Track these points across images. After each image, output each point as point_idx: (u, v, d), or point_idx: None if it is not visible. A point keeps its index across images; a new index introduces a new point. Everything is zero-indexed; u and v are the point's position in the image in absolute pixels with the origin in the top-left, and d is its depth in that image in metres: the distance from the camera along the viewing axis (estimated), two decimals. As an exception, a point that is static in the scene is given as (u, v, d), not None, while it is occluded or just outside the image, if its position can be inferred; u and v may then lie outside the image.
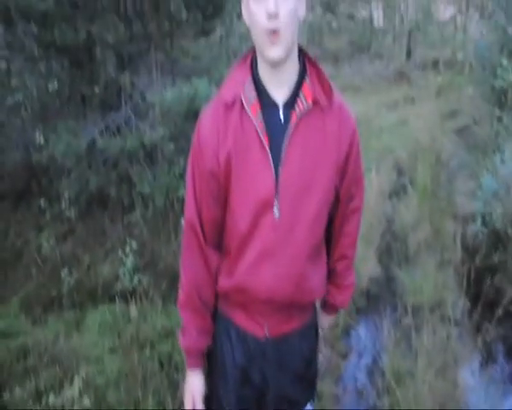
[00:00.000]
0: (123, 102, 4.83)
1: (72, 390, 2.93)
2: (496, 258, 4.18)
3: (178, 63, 5.18)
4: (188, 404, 1.67)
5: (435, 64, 13.04)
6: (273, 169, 1.43)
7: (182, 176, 4.57)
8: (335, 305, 1.78)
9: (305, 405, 1.76)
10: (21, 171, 5.19)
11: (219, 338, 1.65)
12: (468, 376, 3.21)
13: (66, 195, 4.64)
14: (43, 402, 2.85)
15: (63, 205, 4.64)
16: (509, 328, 3.61)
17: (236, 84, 1.46)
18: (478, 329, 3.55)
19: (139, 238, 4.40)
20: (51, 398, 2.86)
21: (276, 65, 1.42)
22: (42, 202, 4.73)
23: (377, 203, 5.36)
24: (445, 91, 10.55)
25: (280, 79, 1.45)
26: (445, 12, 17.45)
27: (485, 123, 7.10)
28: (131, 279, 3.95)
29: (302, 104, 1.44)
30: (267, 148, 1.42)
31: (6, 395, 2.91)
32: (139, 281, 3.95)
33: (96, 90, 4.75)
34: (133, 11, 4.86)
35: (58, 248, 4.41)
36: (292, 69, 1.46)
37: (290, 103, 1.45)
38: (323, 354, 1.89)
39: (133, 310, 3.65)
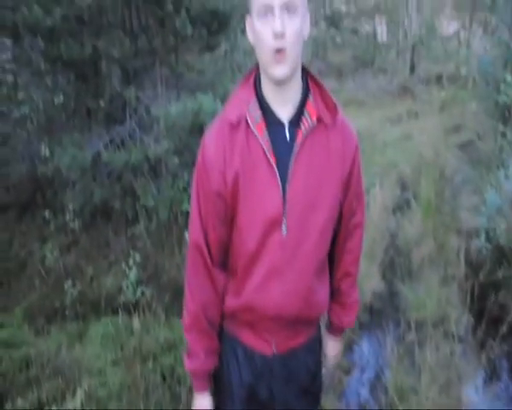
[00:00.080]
0: (128, 116, 4.87)
1: (75, 402, 2.92)
2: (500, 274, 4.15)
3: (183, 78, 5.22)
4: None
5: (439, 79, 13.07)
6: (281, 187, 1.44)
7: (186, 189, 4.60)
8: (342, 325, 1.77)
9: None
10: (26, 182, 5.23)
11: (225, 358, 1.65)
12: (472, 393, 3.19)
13: (70, 207, 4.67)
14: (46, 414, 2.86)
15: (67, 217, 4.67)
16: (514, 345, 3.59)
17: (241, 103, 1.47)
18: (482, 345, 3.52)
19: (143, 251, 4.42)
20: (53, 410, 2.86)
21: (280, 83, 1.43)
22: (46, 213, 4.76)
23: (381, 218, 5.36)
24: (448, 106, 10.56)
25: (284, 97, 1.46)
26: (448, 27, 17.55)
27: (489, 138, 7.10)
28: (135, 292, 3.97)
29: (307, 122, 1.46)
30: (274, 166, 1.43)
31: (8, 406, 2.91)
32: (142, 294, 3.96)
33: (102, 103, 4.79)
34: (138, 26, 4.91)
35: (62, 259, 4.44)
36: (296, 87, 1.47)
37: (295, 121, 1.47)
38: (328, 369, 1.87)
39: (136, 323, 3.65)
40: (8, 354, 3.39)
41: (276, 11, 1.34)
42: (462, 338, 3.61)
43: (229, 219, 1.51)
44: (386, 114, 10.25)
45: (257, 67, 1.51)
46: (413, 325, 3.66)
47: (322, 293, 1.62)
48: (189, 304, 1.58)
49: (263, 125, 1.44)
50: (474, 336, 3.66)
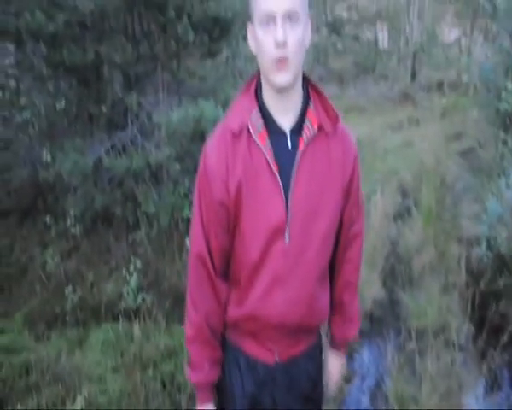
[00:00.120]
0: (129, 122, 4.87)
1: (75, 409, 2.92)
2: (501, 283, 4.15)
3: (185, 84, 5.23)
4: None
5: (440, 86, 13.07)
6: (284, 196, 1.45)
7: (187, 196, 4.60)
8: (346, 339, 1.77)
9: None
10: (28, 187, 5.23)
11: (228, 368, 1.65)
12: (473, 402, 3.18)
13: (71, 212, 4.67)
14: (45, 421, 2.86)
15: (68, 222, 4.67)
16: (515, 354, 3.58)
17: (243, 112, 1.47)
18: (483, 355, 3.52)
19: (143, 257, 4.41)
20: (53, 417, 2.86)
21: (282, 91, 1.43)
22: (47, 218, 4.76)
23: (381, 225, 5.36)
24: (449, 113, 10.56)
25: (286, 105, 1.47)
26: (449, 34, 17.56)
27: (490, 146, 7.10)
28: (135, 298, 3.96)
29: (309, 130, 1.47)
30: (277, 175, 1.44)
31: (8, 412, 2.91)
32: (143, 300, 3.96)
33: (103, 109, 4.80)
34: (140, 32, 4.93)
35: (62, 265, 4.44)
36: (297, 96, 1.48)
37: (296, 129, 1.47)
38: (332, 386, 1.85)
39: (136, 329, 3.65)
40: (9, 359, 3.39)
41: (278, 20, 1.34)
42: (462, 347, 3.61)
43: (232, 229, 1.51)
44: (387, 120, 10.24)
45: (258, 75, 1.51)
46: (414, 334, 3.66)
47: (324, 300, 1.63)
48: (192, 315, 1.58)
49: (265, 134, 1.45)
50: (474, 345, 3.65)
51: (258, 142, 1.44)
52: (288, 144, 1.47)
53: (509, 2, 6.45)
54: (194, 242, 1.54)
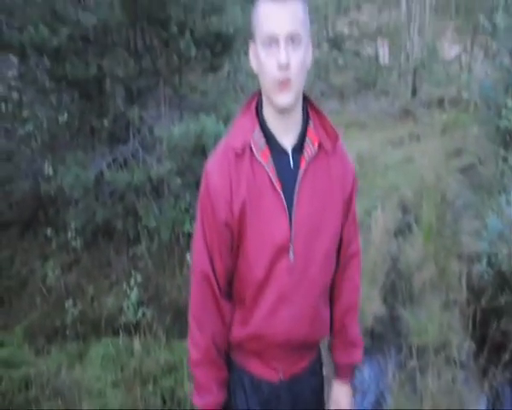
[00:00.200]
0: (131, 136, 4.89)
1: (74, 425, 2.91)
2: (502, 300, 4.14)
3: (186, 98, 5.25)
4: None
5: (440, 102, 13.13)
6: (288, 214, 1.46)
7: (187, 210, 4.61)
8: (352, 362, 1.73)
9: None
10: (29, 200, 5.24)
11: (232, 389, 1.64)
12: (474, 421, 3.17)
13: (72, 225, 4.67)
14: (45, 436, 2.85)
15: (69, 235, 4.66)
16: (517, 372, 3.56)
17: (244, 131, 1.48)
18: (484, 372, 3.49)
19: (144, 271, 4.41)
20: (52, 432, 2.84)
21: (284, 111, 1.45)
22: (48, 231, 4.76)
23: (382, 241, 5.36)
24: (450, 129, 10.60)
25: (287, 124, 1.48)
26: (450, 51, 17.66)
27: (491, 163, 7.11)
28: (135, 313, 3.95)
29: (310, 149, 1.49)
30: (281, 194, 1.45)
31: (7, 427, 2.90)
32: (143, 314, 3.95)
33: (105, 122, 4.82)
34: (143, 46, 4.96)
35: (63, 278, 4.44)
36: (298, 115, 1.50)
37: (298, 148, 1.49)
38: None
39: (137, 344, 3.64)
40: (8, 373, 3.38)
41: (281, 42, 1.36)
42: (464, 365, 3.59)
43: (235, 247, 1.51)
44: (388, 136, 10.27)
45: (258, 93, 1.53)
46: (414, 351, 3.64)
47: (326, 315, 1.64)
48: (198, 338, 1.55)
49: (267, 153, 1.46)
50: (476, 362, 3.63)
51: (261, 160, 1.45)
52: (289, 163, 1.48)
53: (509, 21, 6.49)
54: (198, 261, 1.54)
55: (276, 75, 1.38)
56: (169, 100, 5.00)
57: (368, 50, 17.32)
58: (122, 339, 3.71)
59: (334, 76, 15.35)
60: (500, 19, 6.52)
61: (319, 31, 15.13)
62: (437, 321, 4.00)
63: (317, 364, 1.73)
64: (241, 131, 1.49)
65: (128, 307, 3.97)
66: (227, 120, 4.60)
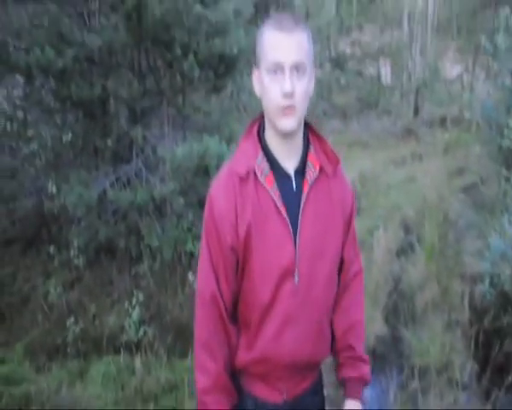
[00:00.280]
0: (134, 155, 4.93)
1: (74, 444, 2.90)
2: (505, 321, 4.12)
3: (190, 119, 5.29)
4: None
5: (443, 121, 13.16)
6: (293, 237, 1.48)
7: (190, 230, 4.63)
8: (362, 376, 1.67)
9: None
10: (32, 217, 5.27)
11: None
12: (477, 443, 3.14)
13: (75, 243, 4.68)
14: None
15: (72, 253, 4.67)
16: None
17: (248, 157, 1.50)
18: (487, 394, 3.47)
19: (146, 290, 4.41)
20: (52, 452, 2.83)
21: (286, 135, 1.48)
22: (51, 249, 4.77)
23: (384, 261, 5.35)
24: (452, 149, 10.62)
25: (289, 149, 1.52)
26: (451, 70, 17.74)
27: (493, 182, 7.13)
28: (137, 331, 3.95)
29: (312, 172, 1.52)
30: (286, 217, 1.47)
31: (6, 445, 2.89)
32: (144, 333, 3.94)
33: (109, 142, 4.86)
34: (147, 67, 5.02)
35: (65, 295, 4.44)
36: (299, 139, 1.53)
37: (300, 172, 1.52)
38: None
39: (138, 362, 3.64)
40: (8, 390, 3.38)
41: (287, 71, 1.40)
42: (466, 386, 3.57)
43: (240, 271, 1.52)
44: (390, 155, 10.29)
45: (260, 117, 1.56)
46: (416, 372, 3.62)
47: (329, 334, 1.65)
48: (209, 364, 1.53)
49: (271, 177, 1.49)
50: (478, 384, 3.61)
51: (266, 185, 1.48)
52: (292, 186, 1.51)
53: (510, 42, 6.54)
54: (206, 284, 1.53)
55: (281, 102, 1.41)
56: (172, 120, 5.05)
57: (370, 70, 17.41)
58: (123, 357, 3.71)
59: (337, 96, 15.42)
60: (501, 40, 6.58)
61: (321, 51, 15.21)
62: (439, 342, 3.98)
63: (319, 384, 1.74)
64: (245, 156, 1.51)
65: (129, 326, 3.97)
66: (230, 141, 4.64)
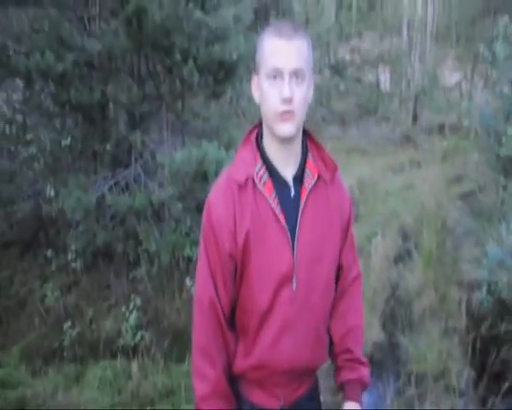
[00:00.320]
0: (133, 160, 4.93)
1: (70, 449, 2.89)
2: (502, 328, 4.13)
3: (189, 124, 5.30)
4: None
5: (441, 129, 13.19)
6: (291, 244, 1.49)
7: (188, 235, 4.63)
8: (361, 378, 1.66)
9: None
10: (30, 221, 5.27)
11: None
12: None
13: (72, 247, 4.68)
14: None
15: (69, 257, 4.67)
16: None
17: (246, 165, 1.51)
18: (484, 401, 3.47)
19: (143, 295, 4.41)
20: (48, 457, 2.82)
21: (285, 141, 1.49)
22: (48, 252, 4.77)
23: (382, 268, 5.36)
24: (450, 156, 10.65)
25: (288, 155, 1.53)
26: (450, 78, 17.80)
27: (491, 190, 7.15)
28: (134, 336, 3.94)
29: (310, 179, 1.53)
30: (285, 225, 1.48)
31: (1, 449, 2.88)
32: (141, 338, 3.94)
33: (108, 147, 4.86)
34: (146, 73, 5.03)
35: (62, 299, 4.43)
36: (298, 146, 1.54)
37: (298, 179, 1.53)
38: None
39: (134, 367, 3.63)
40: (4, 394, 3.37)
41: (286, 77, 1.41)
42: (463, 393, 3.57)
43: (239, 278, 1.53)
44: (389, 162, 10.31)
45: (258, 125, 1.58)
46: (413, 378, 3.62)
47: (326, 340, 1.66)
48: (207, 370, 1.52)
49: (270, 185, 1.50)
50: (475, 391, 3.62)
51: (265, 192, 1.49)
52: (290, 193, 1.52)
53: (509, 51, 6.57)
54: (205, 291, 1.53)
55: (279, 107, 1.43)
56: (171, 125, 5.06)
57: (369, 77, 17.46)
58: (120, 362, 3.70)
59: (336, 102, 15.45)
60: (500, 48, 6.61)
61: (321, 57, 15.26)
62: (436, 349, 3.98)
63: (316, 390, 1.74)
64: (244, 164, 1.52)
65: (126, 330, 3.96)
66: (229, 147, 4.64)
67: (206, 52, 4.61)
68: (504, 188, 6.33)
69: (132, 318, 4.00)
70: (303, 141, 1.57)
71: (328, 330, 1.68)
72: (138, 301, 4.15)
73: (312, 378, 1.69)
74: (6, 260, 5.00)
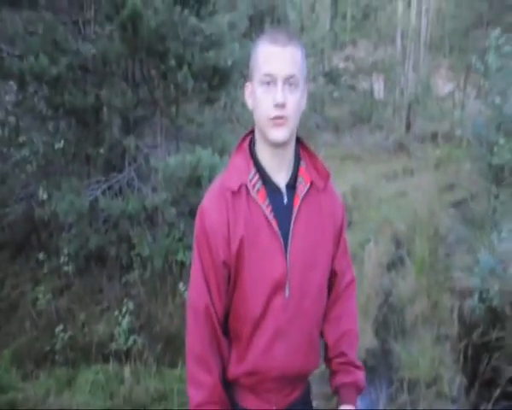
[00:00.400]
0: (126, 164, 4.92)
1: (61, 453, 2.87)
2: (493, 335, 4.15)
3: (183, 129, 5.30)
4: None
5: (434, 137, 13.30)
6: (284, 251, 1.50)
7: (181, 239, 4.62)
8: (357, 381, 1.65)
9: None
10: (22, 223, 5.24)
11: None
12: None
13: (65, 250, 4.65)
14: None
15: (61, 260, 4.64)
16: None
17: (240, 172, 1.52)
18: (475, 408, 3.49)
19: (136, 299, 4.39)
20: None
21: (278, 147, 1.50)
22: (40, 255, 4.74)
23: (375, 275, 5.38)
24: (443, 164, 10.72)
25: (281, 162, 1.53)
26: (443, 87, 17.94)
27: (483, 198, 7.19)
28: (126, 340, 3.92)
29: (303, 187, 1.54)
30: (278, 232, 1.49)
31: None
32: (134, 342, 3.92)
33: (101, 150, 4.85)
34: (141, 77, 5.03)
35: (54, 302, 4.39)
36: (291, 153, 1.55)
37: (291, 186, 1.54)
38: None
39: (127, 371, 3.61)
40: (-6, 398, 3.34)
41: (279, 83, 1.43)
42: (455, 399, 3.59)
43: (232, 284, 1.53)
44: (382, 170, 10.37)
45: (250, 132, 1.59)
46: (406, 385, 3.63)
47: (319, 345, 1.66)
48: (203, 377, 1.52)
49: (263, 192, 1.50)
50: (467, 397, 3.63)
51: (258, 200, 1.49)
52: (283, 200, 1.53)
53: (500, 62, 6.62)
54: (199, 298, 1.52)
55: (272, 112, 1.44)
56: (165, 130, 5.05)
57: (363, 85, 17.57)
58: (112, 366, 3.68)
59: (330, 109, 15.53)
60: (492, 60, 6.66)
61: (315, 65, 15.33)
62: (429, 355, 4.00)
63: (308, 395, 1.74)
64: (237, 171, 1.52)
65: (119, 335, 3.94)
66: (222, 152, 4.65)
67: (200, 58, 4.62)
68: (496, 197, 6.38)
69: (125, 322, 3.98)
70: (296, 148, 1.58)
71: (322, 336, 1.69)
72: (131, 306, 4.13)
73: (305, 384, 1.69)
74: (-3, 262, 4.97)
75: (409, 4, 16.41)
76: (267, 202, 1.49)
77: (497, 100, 6.63)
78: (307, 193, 1.54)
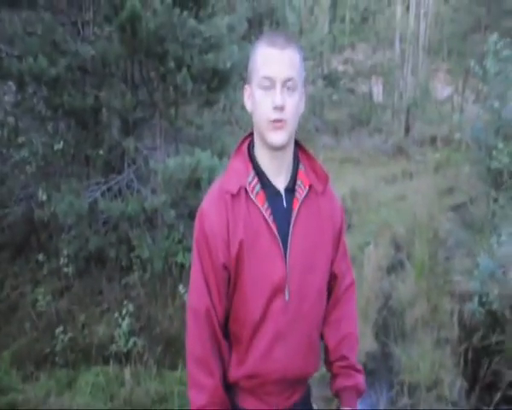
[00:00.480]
0: (126, 166, 4.92)
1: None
2: (493, 339, 4.14)
3: (182, 131, 5.30)
4: None
5: (433, 140, 13.32)
6: (283, 254, 1.49)
7: (181, 241, 4.62)
8: (357, 384, 1.66)
9: None
10: (22, 224, 5.23)
11: None
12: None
13: (65, 251, 4.64)
14: None
15: (61, 261, 4.63)
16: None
17: (239, 175, 1.52)
18: (476, 412, 3.49)
19: (136, 301, 4.38)
20: None
21: (277, 150, 1.50)
22: (40, 256, 4.72)
23: (375, 278, 5.37)
24: (442, 168, 10.74)
25: (280, 165, 1.53)
26: (442, 91, 17.99)
27: (482, 202, 7.20)
28: (126, 342, 3.91)
29: (302, 190, 1.54)
30: (277, 235, 1.49)
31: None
32: (134, 344, 3.91)
33: (101, 152, 4.84)
34: (140, 79, 5.02)
35: (54, 304, 4.38)
36: (289, 157, 1.55)
37: (290, 189, 1.54)
38: None
39: (127, 373, 3.61)
40: (-6, 399, 3.32)
41: (278, 85, 1.43)
42: (455, 403, 3.58)
43: (232, 286, 1.53)
44: (381, 173, 10.38)
45: (249, 135, 1.59)
46: (406, 388, 3.62)
47: (319, 348, 1.65)
48: (205, 380, 1.51)
49: (263, 195, 1.50)
50: (467, 401, 3.62)
51: (257, 203, 1.49)
52: (282, 203, 1.53)
53: (499, 66, 6.64)
54: (200, 301, 1.52)
55: (271, 115, 1.44)
56: (165, 132, 5.04)
57: (362, 88, 17.61)
58: (112, 368, 3.67)
59: (329, 112, 15.56)
60: (490, 64, 6.68)
61: (314, 68, 15.35)
62: (429, 359, 3.99)
63: (308, 398, 1.74)
64: (236, 174, 1.52)
65: (119, 336, 3.93)
66: (222, 154, 4.64)
67: (199, 60, 4.61)
68: (495, 200, 6.38)
69: (125, 324, 3.97)
70: (294, 151, 1.58)
71: (322, 338, 1.69)
72: (131, 308, 4.12)
73: (305, 386, 1.69)
74: (-3, 263, 4.95)
75: (407, 8, 16.49)
76: (266, 205, 1.49)
77: (496, 104, 6.65)
78: (306, 196, 1.54)
